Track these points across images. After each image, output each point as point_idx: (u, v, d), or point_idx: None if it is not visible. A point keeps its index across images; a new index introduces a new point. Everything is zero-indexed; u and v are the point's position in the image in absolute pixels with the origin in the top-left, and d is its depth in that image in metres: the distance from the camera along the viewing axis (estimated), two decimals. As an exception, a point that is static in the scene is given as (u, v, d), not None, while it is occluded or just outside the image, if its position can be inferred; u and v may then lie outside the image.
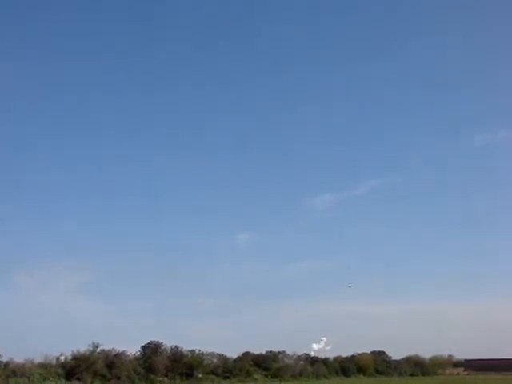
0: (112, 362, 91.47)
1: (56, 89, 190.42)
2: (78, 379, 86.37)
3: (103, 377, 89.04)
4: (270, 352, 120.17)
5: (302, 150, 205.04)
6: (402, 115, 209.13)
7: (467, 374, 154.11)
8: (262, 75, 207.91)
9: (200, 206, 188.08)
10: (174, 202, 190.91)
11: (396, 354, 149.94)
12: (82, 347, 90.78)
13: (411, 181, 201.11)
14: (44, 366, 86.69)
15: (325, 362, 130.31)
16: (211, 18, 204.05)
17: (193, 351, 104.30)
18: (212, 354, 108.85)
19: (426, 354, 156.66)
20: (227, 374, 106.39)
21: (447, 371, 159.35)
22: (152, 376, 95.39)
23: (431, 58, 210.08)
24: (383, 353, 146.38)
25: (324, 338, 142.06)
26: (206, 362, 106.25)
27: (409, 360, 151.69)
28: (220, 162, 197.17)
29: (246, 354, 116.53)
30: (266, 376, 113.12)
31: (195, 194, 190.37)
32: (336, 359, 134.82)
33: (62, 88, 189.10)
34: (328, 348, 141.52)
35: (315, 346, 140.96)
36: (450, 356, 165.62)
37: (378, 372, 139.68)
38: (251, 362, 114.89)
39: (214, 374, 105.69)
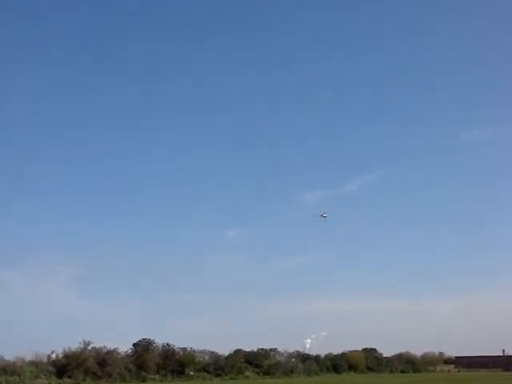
0: (103, 359, 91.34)
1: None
2: (70, 377, 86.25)
3: (94, 374, 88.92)
4: (262, 349, 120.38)
5: (294, 146, 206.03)
6: (392, 112, 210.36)
7: (458, 371, 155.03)
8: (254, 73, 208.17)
9: (189, 202, 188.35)
10: (163, 199, 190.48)
11: (387, 351, 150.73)
12: (73, 345, 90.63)
13: (401, 177, 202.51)
14: (35, 364, 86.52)
15: (316, 359, 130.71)
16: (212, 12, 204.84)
17: (184, 349, 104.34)
18: (203, 352, 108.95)
19: (417, 351, 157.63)
20: (219, 372, 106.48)
21: (438, 368, 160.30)
22: (143, 373, 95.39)
23: (418, 56, 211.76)
24: (374, 350, 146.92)
25: (324, 333, 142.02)
26: (197, 360, 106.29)
27: (400, 357, 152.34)
28: (211, 158, 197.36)
29: (238, 351, 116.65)
30: (258, 373, 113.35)
31: (184, 191, 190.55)
32: (327, 356, 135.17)
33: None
34: (325, 342, 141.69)
35: (313, 339, 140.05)
36: (441, 353, 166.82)
37: (369, 369, 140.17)
38: (243, 360, 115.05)
39: (206, 371, 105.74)
